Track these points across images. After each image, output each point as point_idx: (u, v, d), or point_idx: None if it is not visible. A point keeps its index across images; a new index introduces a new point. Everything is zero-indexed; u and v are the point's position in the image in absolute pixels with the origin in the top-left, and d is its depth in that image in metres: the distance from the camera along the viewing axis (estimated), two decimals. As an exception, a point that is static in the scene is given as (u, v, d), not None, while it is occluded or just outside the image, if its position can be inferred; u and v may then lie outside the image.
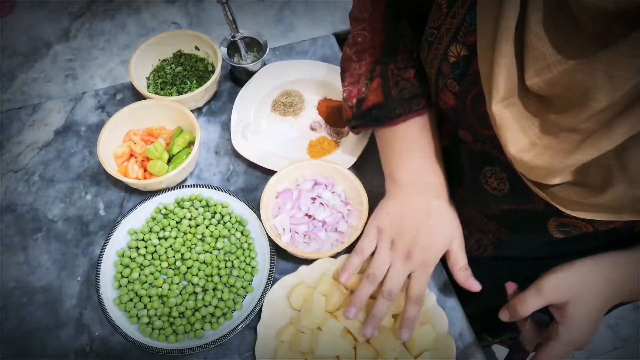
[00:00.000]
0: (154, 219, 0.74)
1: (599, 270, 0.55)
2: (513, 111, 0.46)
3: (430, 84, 0.62)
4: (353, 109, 0.68)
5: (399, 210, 0.65)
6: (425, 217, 0.63)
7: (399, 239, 0.63)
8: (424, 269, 0.63)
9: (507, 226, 0.64)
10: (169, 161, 0.78)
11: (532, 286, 0.56)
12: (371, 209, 0.68)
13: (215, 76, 0.83)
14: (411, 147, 0.66)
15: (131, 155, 0.79)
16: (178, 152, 0.78)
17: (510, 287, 0.61)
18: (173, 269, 0.70)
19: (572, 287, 0.54)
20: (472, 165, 0.61)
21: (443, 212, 0.64)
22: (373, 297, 0.64)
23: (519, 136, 0.46)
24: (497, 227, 0.65)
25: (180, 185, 0.78)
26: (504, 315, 0.59)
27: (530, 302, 0.55)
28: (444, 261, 0.66)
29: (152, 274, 0.70)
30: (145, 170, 0.78)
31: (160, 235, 0.72)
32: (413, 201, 0.64)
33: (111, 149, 0.78)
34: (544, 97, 0.45)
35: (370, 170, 0.81)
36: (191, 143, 0.80)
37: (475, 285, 0.63)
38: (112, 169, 0.74)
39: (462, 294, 0.69)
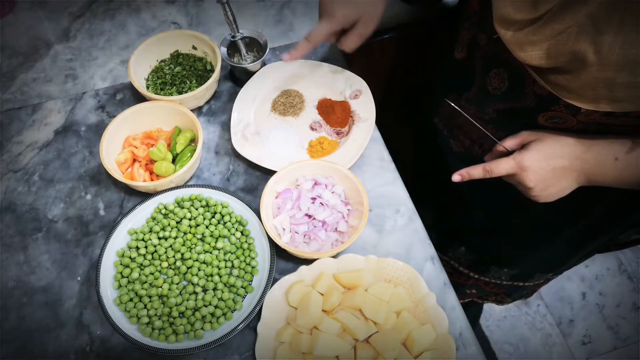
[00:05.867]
0: (154, 219, 0.74)
1: (573, 139, 0.62)
2: None
3: None
4: None
5: None
6: None
7: None
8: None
9: (503, 127, 0.70)
10: (173, 161, 0.78)
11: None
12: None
13: (215, 74, 0.83)
14: None
15: (134, 161, 0.79)
16: (182, 150, 0.78)
17: (456, 177, 0.67)
18: (173, 269, 0.70)
19: (543, 133, 0.64)
20: (482, 70, 0.70)
21: None
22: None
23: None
24: (494, 132, 0.71)
25: (180, 185, 0.78)
26: (487, 157, 0.71)
27: (508, 140, 0.67)
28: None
29: (152, 274, 0.70)
30: (151, 173, 0.78)
31: (160, 235, 0.72)
32: None
33: (112, 156, 0.78)
34: None
35: (370, 170, 0.81)
36: (192, 141, 0.81)
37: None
38: (119, 176, 0.74)
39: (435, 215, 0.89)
